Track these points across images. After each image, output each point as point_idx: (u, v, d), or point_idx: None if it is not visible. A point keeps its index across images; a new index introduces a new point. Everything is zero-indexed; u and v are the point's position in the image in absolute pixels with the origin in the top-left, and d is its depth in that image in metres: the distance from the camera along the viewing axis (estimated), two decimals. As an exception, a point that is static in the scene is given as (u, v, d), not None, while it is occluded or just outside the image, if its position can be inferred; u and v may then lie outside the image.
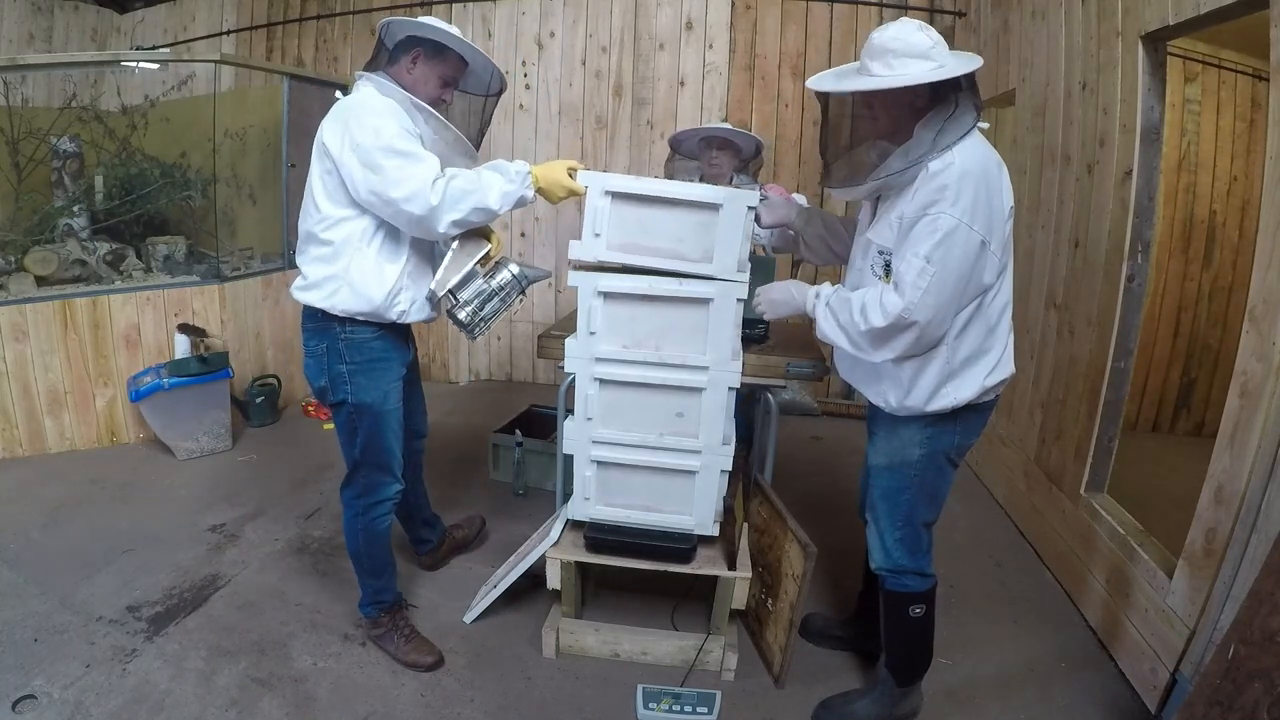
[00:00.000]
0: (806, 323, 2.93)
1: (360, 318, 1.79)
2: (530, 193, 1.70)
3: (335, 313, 1.77)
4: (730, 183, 2.69)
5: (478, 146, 1.91)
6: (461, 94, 1.90)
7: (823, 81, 1.56)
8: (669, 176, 2.88)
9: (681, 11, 4.16)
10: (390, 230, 1.76)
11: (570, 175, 1.75)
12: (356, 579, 2.02)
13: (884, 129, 1.55)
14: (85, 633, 2.02)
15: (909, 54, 1.44)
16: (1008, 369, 1.63)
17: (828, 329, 1.58)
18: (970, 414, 1.63)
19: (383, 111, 1.68)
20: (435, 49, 1.77)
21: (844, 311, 1.54)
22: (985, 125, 1.53)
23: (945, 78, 1.44)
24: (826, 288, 1.62)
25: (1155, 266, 3.43)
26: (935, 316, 1.45)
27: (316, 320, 1.81)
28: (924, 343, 1.50)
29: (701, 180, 2.72)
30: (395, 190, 1.63)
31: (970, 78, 1.47)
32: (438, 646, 2.00)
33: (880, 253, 1.56)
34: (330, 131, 1.69)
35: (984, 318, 1.55)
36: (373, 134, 1.63)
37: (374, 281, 1.76)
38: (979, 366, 1.57)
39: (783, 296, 1.70)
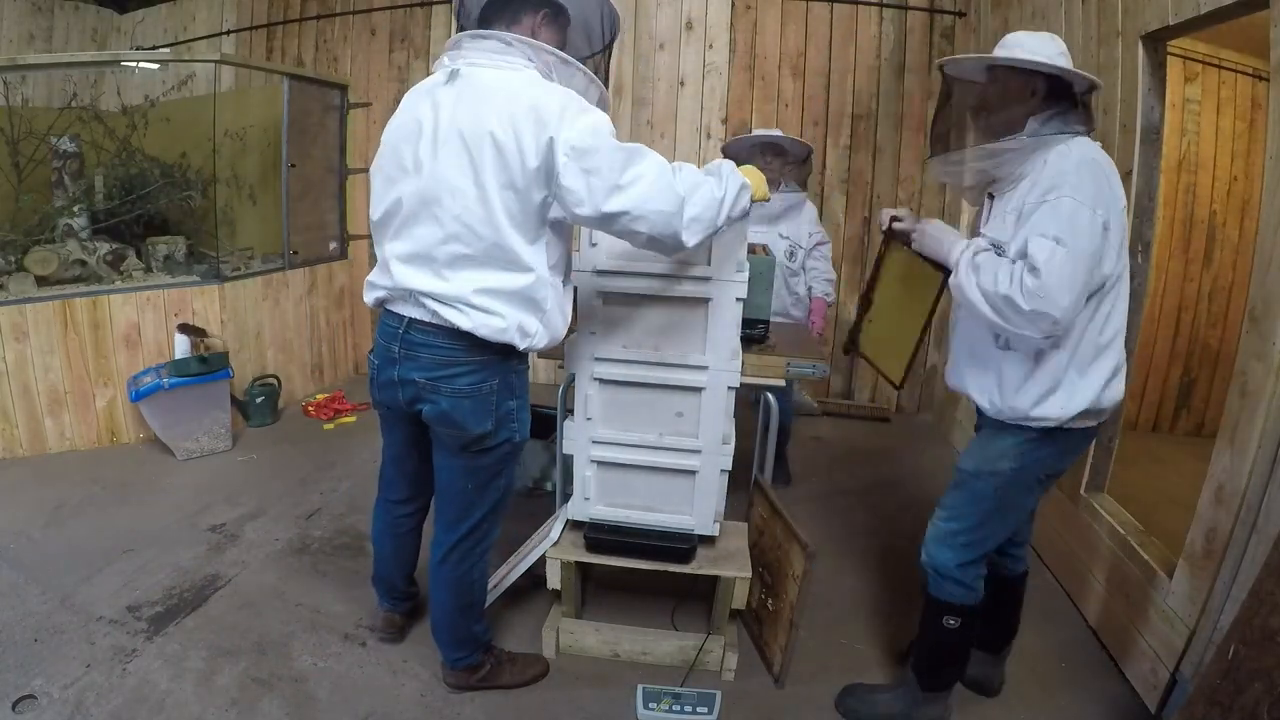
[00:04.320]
0: (804, 321, 2.90)
1: (537, 350, 1.61)
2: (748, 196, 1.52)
3: (521, 347, 1.55)
4: (779, 189, 2.86)
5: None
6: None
7: (950, 60, 1.65)
8: None
9: (681, 11, 4.16)
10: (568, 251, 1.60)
11: None
12: (449, 641, 1.82)
13: (996, 109, 1.57)
14: (85, 633, 2.02)
15: (1037, 53, 1.50)
16: (1119, 390, 1.57)
17: (966, 286, 1.51)
18: (1074, 436, 1.59)
19: (583, 102, 1.43)
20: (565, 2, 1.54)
21: (987, 273, 1.48)
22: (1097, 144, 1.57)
23: (1061, 71, 1.48)
24: (980, 241, 1.56)
25: (1155, 266, 3.42)
26: (1070, 301, 1.41)
27: (487, 353, 1.54)
28: (1060, 328, 1.44)
29: None
30: (637, 191, 1.38)
31: (1087, 95, 1.53)
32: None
33: (995, 245, 1.54)
34: (525, 130, 1.38)
35: (1099, 327, 1.52)
36: (590, 132, 1.39)
37: (562, 312, 1.60)
38: (1092, 377, 1.53)
39: (936, 234, 1.63)
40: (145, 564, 2.37)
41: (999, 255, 1.51)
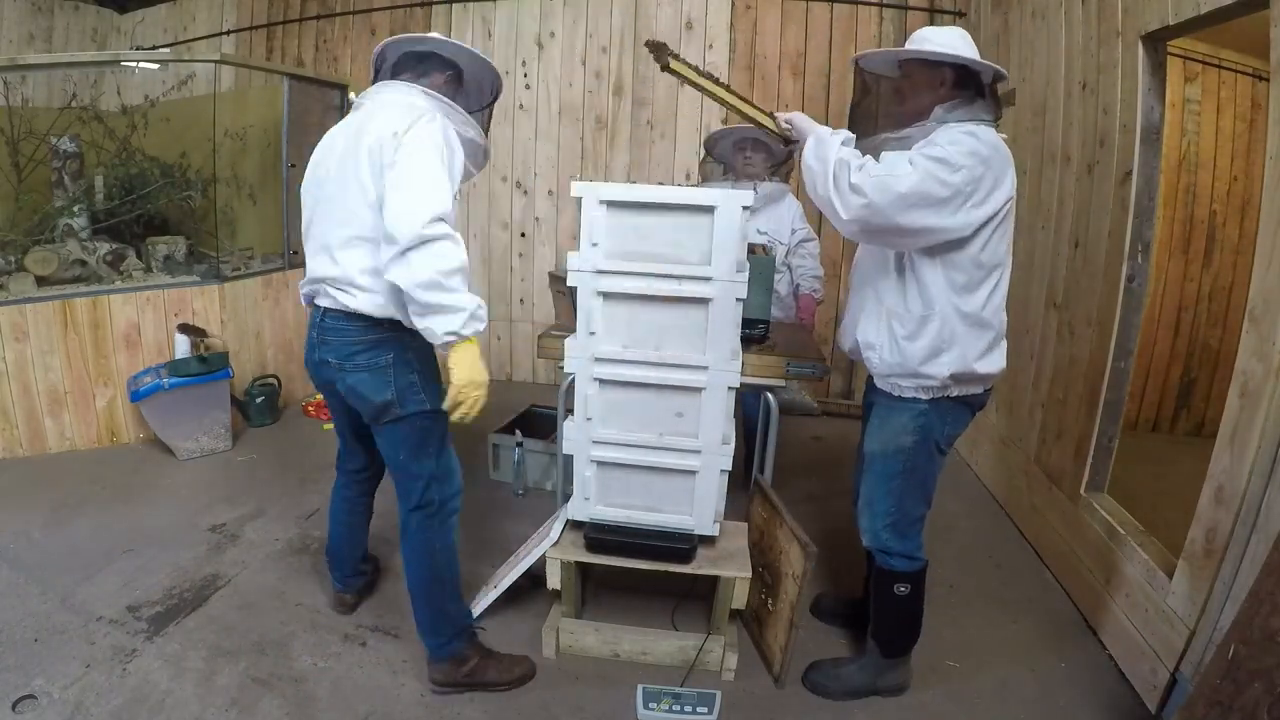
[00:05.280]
0: (795, 315, 2.90)
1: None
2: (470, 331, 1.56)
3: (407, 321, 1.65)
4: (769, 180, 2.80)
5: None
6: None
7: (863, 55, 1.76)
8: (703, 177, 2.94)
9: (681, 11, 4.16)
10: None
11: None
12: (427, 625, 1.85)
13: (908, 99, 1.68)
14: (85, 633, 2.02)
15: (944, 46, 1.60)
16: (999, 360, 1.70)
17: (829, 144, 1.61)
18: (956, 406, 1.72)
19: (441, 134, 1.64)
20: (461, 64, 1.83)
21: (849, 151, 1.60)
22: (1004, 136, 1.65)
23: (963, 61, 1.58)
24: (842, 133, 1.68)
25: (1155, 266, 3.42)
26: (883, 203, 1.51)
27: (379, 331, 1.70)
28: (862, 221, 1.55)
29: (735, 180, 2.79)
30: (402, 199, 1.53)
31: (993, 86, 1.62)
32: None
33: None
34: (384, 129, 1.61)
35: (981, 301, 1.64)
36: (425, 148, 1.59)
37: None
38: (972, 342, 1.65)
39: (804, 125, 1.75)
40: (145, 564, 2.37)
41: None
